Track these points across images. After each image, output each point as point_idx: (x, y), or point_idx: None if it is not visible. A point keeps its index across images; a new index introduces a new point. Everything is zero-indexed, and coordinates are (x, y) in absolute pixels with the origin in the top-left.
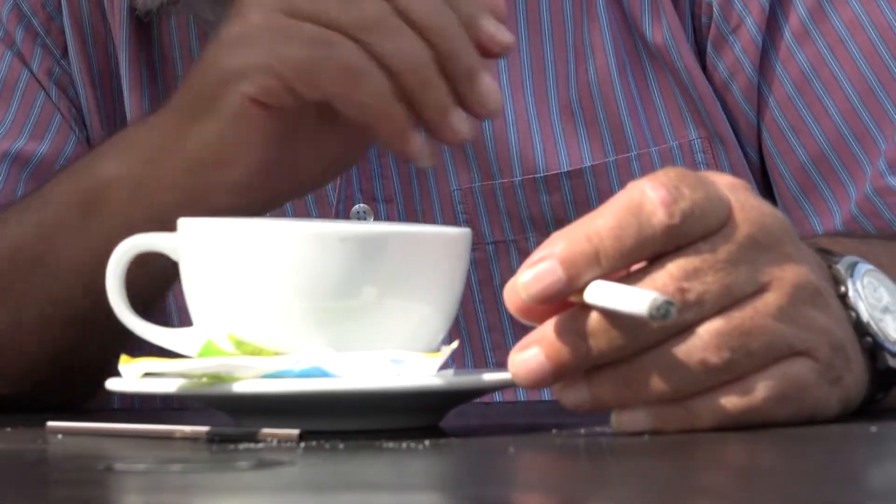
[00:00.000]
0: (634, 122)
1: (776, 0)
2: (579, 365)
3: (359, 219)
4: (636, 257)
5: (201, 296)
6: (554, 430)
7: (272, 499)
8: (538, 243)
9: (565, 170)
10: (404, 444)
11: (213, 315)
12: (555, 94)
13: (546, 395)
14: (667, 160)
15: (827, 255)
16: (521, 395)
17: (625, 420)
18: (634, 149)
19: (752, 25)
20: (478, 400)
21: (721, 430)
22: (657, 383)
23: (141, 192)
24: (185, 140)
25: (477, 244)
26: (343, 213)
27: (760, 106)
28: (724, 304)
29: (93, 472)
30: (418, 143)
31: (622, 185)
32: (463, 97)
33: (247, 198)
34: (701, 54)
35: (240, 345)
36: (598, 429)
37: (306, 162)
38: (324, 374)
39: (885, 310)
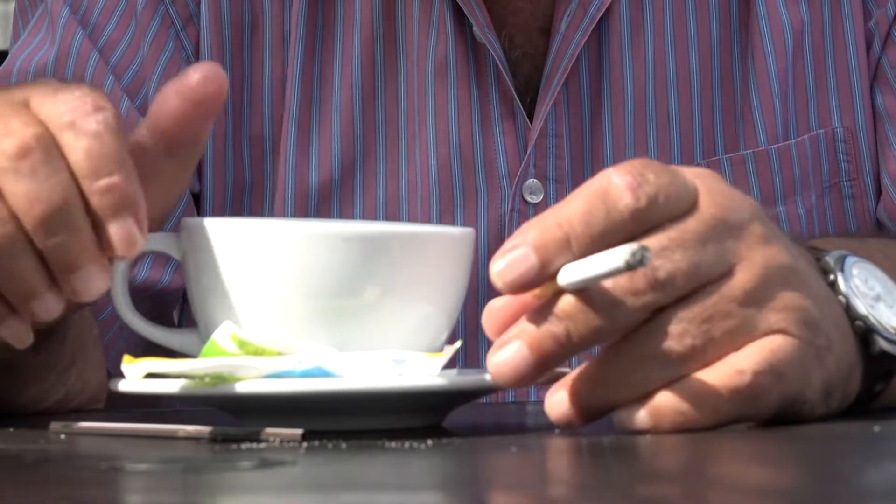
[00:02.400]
0: (799, 107)
1: None
2: (561, 352)
3: (530, 194)
4: (606, 241)
5: (204, 296)
6: (556, 430)
7: (275, 498)
8: None
9: (748, 151)
10: (407, 444)
11: (216, 315)
12: (739, 82)
13: (536, 394)
14: (814, 146)
15: (814, 251)
16: (517, 396)
17: (624, 418)
18: (793, 136)
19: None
20: (480, 400)
21: (720, 429)
22: (623, 381)
23: None
24: None
25: None
26: (520, 184)
27: (882, 85)
28: (694, 284)
29: (95, 472)
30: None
31: (783, 171)
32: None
33: None
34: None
35: (242, 345)
36: (600, 428)
37: None
38: (326, 374)
39: (878, 298)
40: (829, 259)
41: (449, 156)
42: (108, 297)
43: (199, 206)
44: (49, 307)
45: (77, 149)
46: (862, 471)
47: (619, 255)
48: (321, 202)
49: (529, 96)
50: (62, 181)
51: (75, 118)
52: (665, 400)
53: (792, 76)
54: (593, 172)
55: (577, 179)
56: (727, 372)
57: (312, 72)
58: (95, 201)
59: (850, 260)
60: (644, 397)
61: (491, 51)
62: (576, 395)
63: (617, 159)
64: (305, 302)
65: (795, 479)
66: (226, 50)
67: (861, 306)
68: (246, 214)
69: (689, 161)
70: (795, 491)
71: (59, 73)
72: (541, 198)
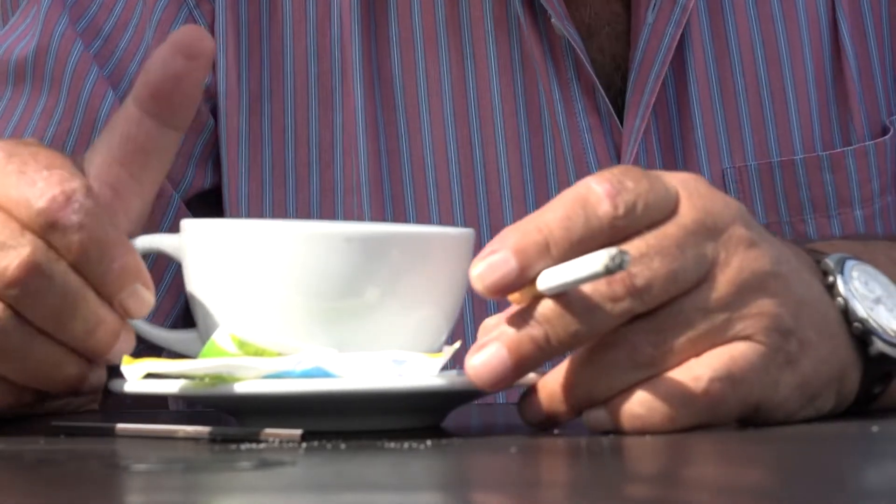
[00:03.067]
0: (873, 108)
1: None
2: (539, 355)
3: None
4: (585, 247)
5: (204, 296)
6: (556, 431)
7: (274, 499)
8: (819, 227)
9: (848, 147)
10: (406, 445)
11: (215, 315)
12: (812, 68)
13: None
14: (860, 155)
15: (816, 253)
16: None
17: (589, 418)
18: (869, 138)
19: None
20: (480, 400)
21: (720, 429)
22: (588, 385)
23: None
24: None
25: None
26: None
27: None
28: (672, 291)
29: (95, 472)
30: (81, 383)
31: (878, 167)
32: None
33: None
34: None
35: (242, 345)
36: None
37: None
38: (326, 375)
39: (878, 300)
40: (829, 261)
41: (544, 156)
42: None
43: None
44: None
45: (71, 250)
46: (860, 471)
47: (598, 260)
48: (395, 200)
49: (612, 92)
50: (72, 284)
51: (56, 217)
52: (623, 404)
53: (879, 73)
54: (686, 166)
55: None
56: (683, 378)
57: (371, 61)
58: (106, 290)
59: (850, 263)
60: (607, 400)
61: (571, 41)
62: (547, 397)
63: (710, 152)
64: (305, 302)
65: (793, 480)
66: (242, 27)
67: (860, 309)
68: (268, 208)
69: (790, 163)
70: (792, 492)
71: (40, 63)
72: None
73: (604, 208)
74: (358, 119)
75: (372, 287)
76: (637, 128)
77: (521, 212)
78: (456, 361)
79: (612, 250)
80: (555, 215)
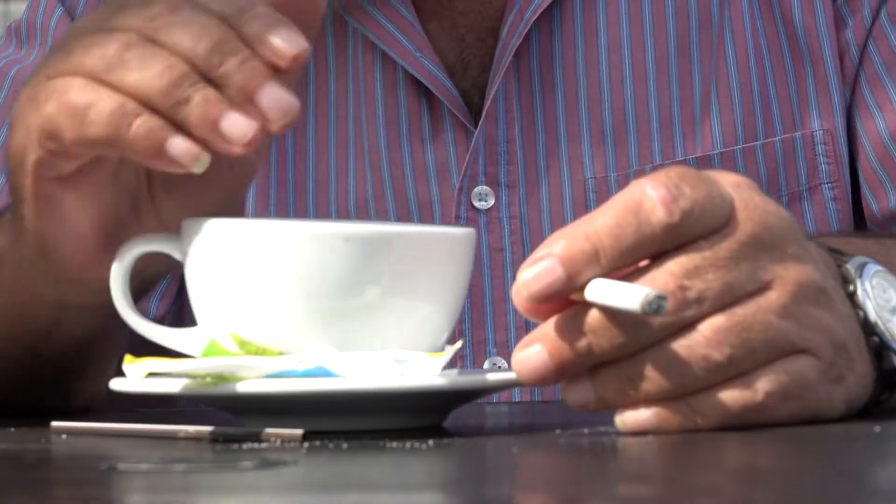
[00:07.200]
0: (765, 110)
1: None
2: (581, 362)
3: (480, 200)
4: (636, 256)
5: (205, 296)
6: (557, 430)
7: (276, 498)
8: None
9: (696, 155)
10: (408, 444)
11: (216, 315)
12: (699, 83)
13: (539, 394)
14: (788, 150)
15: (836, 255)
16: (522, 396)
17: (629, 419)
18: (761, 137)
19: (866, 8)
20: (481, 400)
21: (723, 429)
22: (660, 381)
23: (28, 276)
24: (28, 234)
25: None
26: (466, 192)
27: (854, 85)
28: (725, 301)
29: (96, 472)
30: (179, 154)
31: (748, 172)
32: (248, 115)
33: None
34: None
35: (243, 345)
36: (601, 428)
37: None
38: (327, 374)
39: (894, 311)
40: (850, 267)
41: (402, 168)
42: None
43: None
44: (240, 128)
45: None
46: (863, 471)
47: (636, 296)
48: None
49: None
50: (215, 21)
51: None
52: (674, 407)
53: (766, 79)
54: (549, 176)
55: (531, 184)
56: (741, 388)
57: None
58: (250, 30)
59: (870, 269)
60: (652, 401)
61: (431, 69)
62: (601, 385)
63: (573, 163)
64: (306, 302)
65: (795, 479)
66: None
67: (879, 322)
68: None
69: (647, 161)
70: (794, 491)
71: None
72: (492, 203)
73: (658, 215)
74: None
75: (372, 286)
76: (487, 135)
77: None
78: (456, 361)
79: (651, 294)
80: (605, 222)
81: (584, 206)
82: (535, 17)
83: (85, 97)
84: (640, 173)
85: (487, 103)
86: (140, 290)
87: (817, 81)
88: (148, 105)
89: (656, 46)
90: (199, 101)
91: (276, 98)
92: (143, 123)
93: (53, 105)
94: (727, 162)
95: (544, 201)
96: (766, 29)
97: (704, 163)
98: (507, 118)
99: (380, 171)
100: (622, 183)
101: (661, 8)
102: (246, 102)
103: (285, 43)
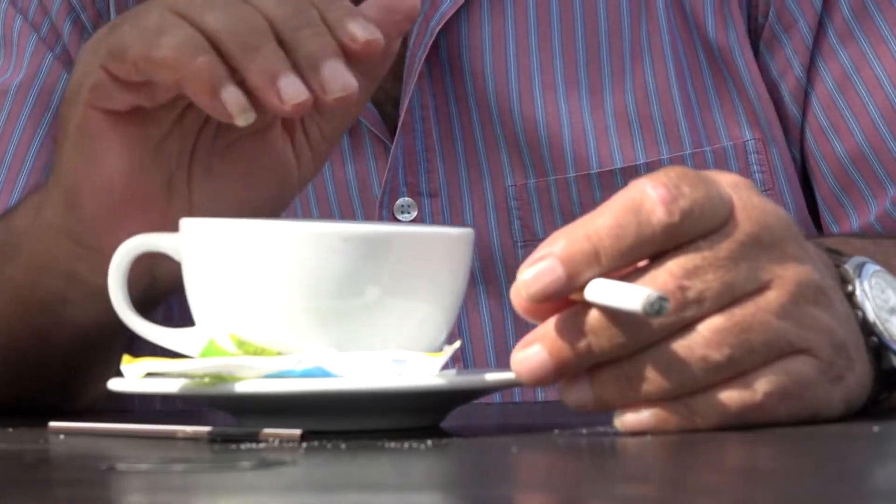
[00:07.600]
0: (690, 121)
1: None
2: (581, 363)
3: (402, 213)
4: (636, 256)
5: (203, 296)
6: (556, 430)
7: (274, 499)
8: None
9: (619, 166)
10: (406, 444)
11: (215, 315)
12: (610, 92)
13: (541, 394)
14: (720, 160)
15: (835, 255)
16: (524, 395)
17: (628, 420)
18: (689, 147)
19: (804, 25)
20: (480, 400)
21: (722, 430)
22: (659, 381)
23: (47, 239)
24: (59, 176)
25: (528, 241)
26: (388, 206)
27: (805, 104)
28: (725, 301)
29: (95, 473)
30: (230, 101)
31: None
32: (306, 82)
33: (150, 224)
34: (754, 54)
35: (242, 345)
36: (600, 429)
37: (212, 187)
38: (326, 374)
39: (893, 311)
40: (848, 267)
41: (324, 185)
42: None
43: None
44: (296, 89)
45: None
46: (862, 471)
47: (638, 297)
48: None
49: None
50: None
51: None
52: (673, 407)
53: (688, 88)
54: (471, 184)
55: (453, 192)
56: (740, 389)
57: None
58: (331, 14)
59: (869, 269)
60: (651, 401)
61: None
62: (599, 386)
63: (493, 170)
64: (305, 302)
65: (794, 479)
66: None
67: (878, 322)
68: None
69: (562, 172)
70: (794, 491)
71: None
72: (415, 214)
73: (658, 215)
74: None
75: (371, 286)
76: (405, 147)
77: None
78: (455, 361)
79: (653, 295)
80: (605, 222)
81: (506, 213)
82: (440, 25)
83: (160, 22)
84: (561, 182)
85: (402, 115)
86: (152, 299)
87: (739, 93)
88: (217, 48)
89: (564, 53)
90: (266, 52)
91: (337, 72)
92: (207, 60)
93: (128, 26)
94: (629, 177)
95: (467, 209)
96: (685, 46)
97: (630, 174)
98: (423, 128)
99: (304, 190)
100: (542, 190)
101: (570, 16)
102: (310, 70)
103: (360, 29)
